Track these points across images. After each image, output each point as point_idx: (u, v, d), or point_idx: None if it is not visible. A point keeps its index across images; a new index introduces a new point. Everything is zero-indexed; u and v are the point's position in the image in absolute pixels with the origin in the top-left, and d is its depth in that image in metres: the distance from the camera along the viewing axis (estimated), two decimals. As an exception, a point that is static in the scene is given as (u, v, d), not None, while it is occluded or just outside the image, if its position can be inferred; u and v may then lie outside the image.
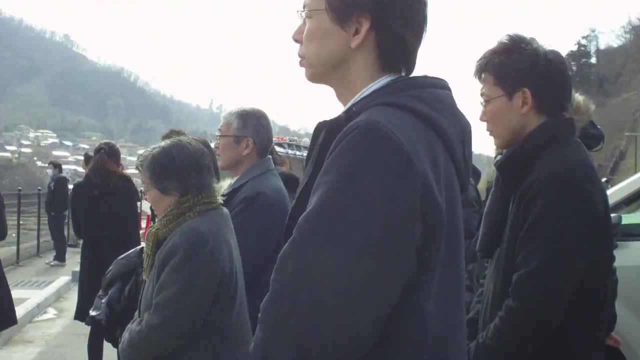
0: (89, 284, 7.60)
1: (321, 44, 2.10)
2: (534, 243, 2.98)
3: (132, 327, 3.67)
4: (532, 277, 2.96)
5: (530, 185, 3.05)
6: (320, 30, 2.09)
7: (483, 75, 3.29)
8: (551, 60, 3.21)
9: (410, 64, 2.12)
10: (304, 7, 2.15)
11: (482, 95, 3.29)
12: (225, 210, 3.82)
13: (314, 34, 2.11)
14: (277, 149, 7.76)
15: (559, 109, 3.27)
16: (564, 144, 3.16)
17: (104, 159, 8.04)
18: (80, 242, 8.83)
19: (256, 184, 4.10)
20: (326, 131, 2.02)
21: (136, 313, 3.81)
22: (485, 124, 3.35)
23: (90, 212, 7.96)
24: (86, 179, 8.25)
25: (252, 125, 4.68)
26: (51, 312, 12.88)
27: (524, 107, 3.20)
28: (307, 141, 18.52)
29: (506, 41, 3.28)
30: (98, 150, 8.12)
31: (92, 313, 4.36)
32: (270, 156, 4.89)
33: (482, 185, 6.55)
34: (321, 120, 2.11)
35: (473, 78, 3.35)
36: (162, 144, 3.84)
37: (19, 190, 21.22)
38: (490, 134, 3.38)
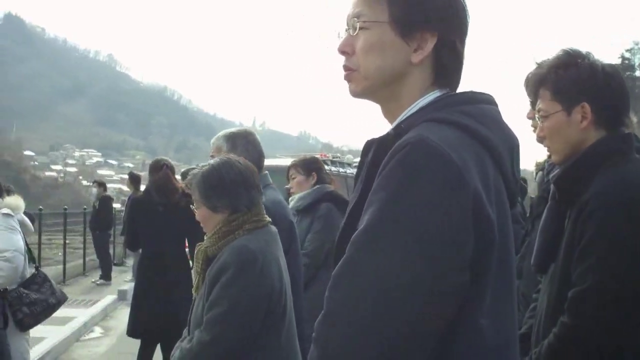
0: (146, 299, 7.63)
1: (381, 56, 2.07)
2: (589, 260, 2.93)
3: (183, 344, 3.70)
4: (587, 295, 2.92)
5: (587, 201, 3.00)
6: (381, 43, 2.06)
7: (540, 92, 3.25)
8: (609, 74, 3.16)
9: (457, 79, 2.12)
10: (357, 17, 2.10)
11: (538, 111, 3.24)
12: (273, 228, 3.85)
13: (373, 46, 2.07)
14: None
15: (618, 124, 3.20)
16: (622, 160, 3.10)
17: (169, 175, 8.04)
18: (128, 260, 8.85)
19: None
20: (375, 149, 2.02)
21: (185, 330, 3.86)
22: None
23: (154, 228, 7.86)
24: (146, 194, 8.21)
25: (241, 145, 4.86)
26: (98, 331, 12.95)
27: (584, 122, 3.14)
28: (350, 158, 18.48)
29: (562, 55, 3.24)
30: (160, 167, 8.06)
31: None
32: (267, 172, 4.99)
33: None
34: (369, 138, 2.10)
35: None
36: (212, 162, 3.88)
37: (65, 209, 21.38)
38: (548, 150, 3.34)
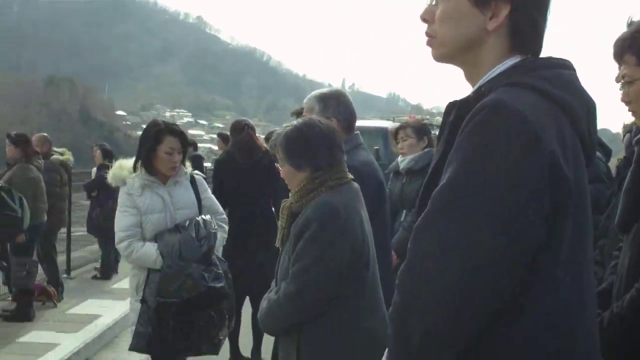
0: (235, 256, 7.67)
1: (456, 25, 2.14)
2: None
3: (270, 296, 3.85)
4: None
5: None
6: (457, 12, 2.13)
7: (625, 57, 3.22)
8: None
9: (538, 45, 2.17)
10: None
11: (623, 76, 3.21)
12: (356, 185, 3.93)
13: (449, 14, 2.15)
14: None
15: None
16: None
17: (252, 135, 8.12)
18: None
19: (348, 159, 4.19)
20: (456, 111, 2.09)
21: (273, 283, 4.01)
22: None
23: (239, 187, 7.93)
24: (228, 155, 8.25)
25: (332, 105, 4.90)
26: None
27: None
28: (439, 120, 18.39)
29: None
30: (243, 127, 8.14)
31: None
32: (358, 132, 5.04)
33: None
34: (451, 100, 2.17)
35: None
36: (294, 122, 3.99)
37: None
38: (633, 115, 3.33)
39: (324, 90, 5.19)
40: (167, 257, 5.34)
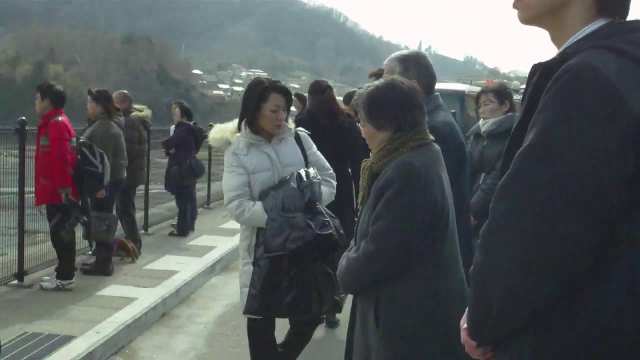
0: None
1: None
2: None
3: (349, 254, 3.88)
4: None
5: None
6: None
7: None
8: None
9: (624, 8, 2.17)
10: None
11: None
12: (436, 146, 3.91)
13: None
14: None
15: None
16: None
17: (333, 96, 8.12)
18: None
19: (429, 120, 4.17)
20: (541, 72, 2.11)
21: (352, 241, 4.03)
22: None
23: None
24: (308, 115, 8.20)
25: (413, 67, 4.90)
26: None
27: None
28: (517, 84, 18.21)
29: None
30: (324, 89, 8.10)
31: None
32: (438, 93, 5.05)
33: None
34: (536, 62, 2.18)
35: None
36: (376, 82, 3.98)
37: (233, 126, 21.63)
38: None
39: (404, 51, 5.22)
40: (271, 212, 5.28)
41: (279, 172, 5.54)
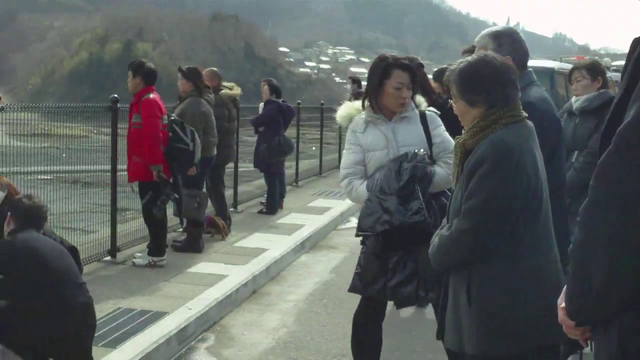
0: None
1: None
2: None
3: (442, 232, 3.87)
4: None
5: None
6: None
7: None
8: None
9: None
10: None
11: None
12: (530, 123, 3.86)
13: None
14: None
15: None
16: None
17: (426, 74, 8.00)
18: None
19: (523, 96, 4.11)
20: None
21: (444, 219, 4.03)
22: None
23: None
24: None
25: (506, 43, 4.84)
26: (353, 221, 13.30)
27: None
28: (608, 61, 17.81)
29: None
30: (416, 67, 8.04)
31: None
32: (531, 69, 4.97)
33: None
34: (637, 36, 2.13)
35: None
36: (469, 58, 3.94)
37: (322, 104, 21.77)
38: None
39: (497, 27, 5.17)
40: (370, 193, 5.22)
41: (394, 152, 5.37)
